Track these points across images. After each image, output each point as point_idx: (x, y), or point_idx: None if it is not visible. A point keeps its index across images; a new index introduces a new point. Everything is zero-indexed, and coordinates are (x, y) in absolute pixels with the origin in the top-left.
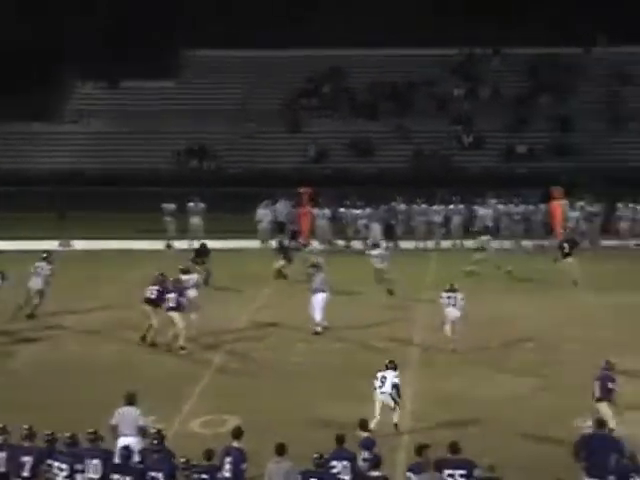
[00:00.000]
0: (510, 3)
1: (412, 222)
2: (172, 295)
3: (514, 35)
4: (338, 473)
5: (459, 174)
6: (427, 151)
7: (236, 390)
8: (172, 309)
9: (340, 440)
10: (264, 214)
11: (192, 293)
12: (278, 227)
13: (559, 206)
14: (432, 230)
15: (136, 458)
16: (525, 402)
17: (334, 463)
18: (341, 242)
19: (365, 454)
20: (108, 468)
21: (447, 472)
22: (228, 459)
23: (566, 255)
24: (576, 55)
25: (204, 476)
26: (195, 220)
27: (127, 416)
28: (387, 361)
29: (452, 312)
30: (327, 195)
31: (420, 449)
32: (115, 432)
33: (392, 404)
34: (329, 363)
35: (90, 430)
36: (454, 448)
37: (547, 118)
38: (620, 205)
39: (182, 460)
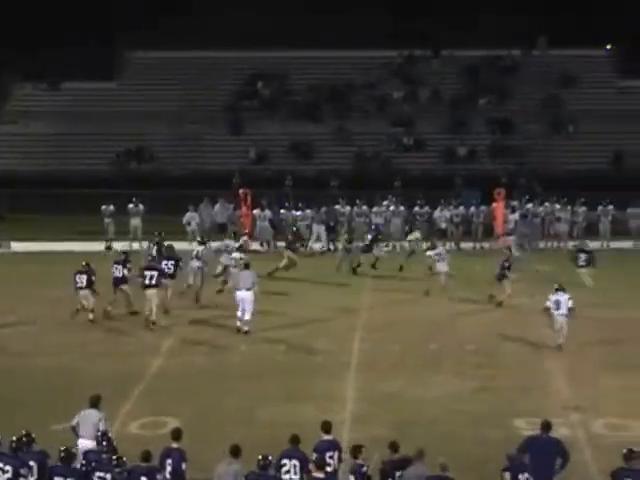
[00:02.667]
0: (450, 5)
1: (353, 223)
2: (153, 273)
3: (454, 37)
4: (288, 472)
5: (400, 176)
6: (368, 153)
7: (177, 392)
8: (151, 286)
9: (294, 440)
10: (192, 216)
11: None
12: (219, 229)
13: (500, 208)
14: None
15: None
16: (464, 403)
17: (284, 461)
18: (282, 244)
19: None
20: (46, 470)
21: (398, 473)
22: (168, 460)
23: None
24: (516, 57)
25: (143, 478)
26: (135, 222)
27: (88, 418)
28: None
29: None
30: (268, 197)
31: (355, 450)
32: (75, 433)
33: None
34: (271, 364)
35: (24, 432)
36: (394, 447)
37: (487, 120)
38: (558, 207)
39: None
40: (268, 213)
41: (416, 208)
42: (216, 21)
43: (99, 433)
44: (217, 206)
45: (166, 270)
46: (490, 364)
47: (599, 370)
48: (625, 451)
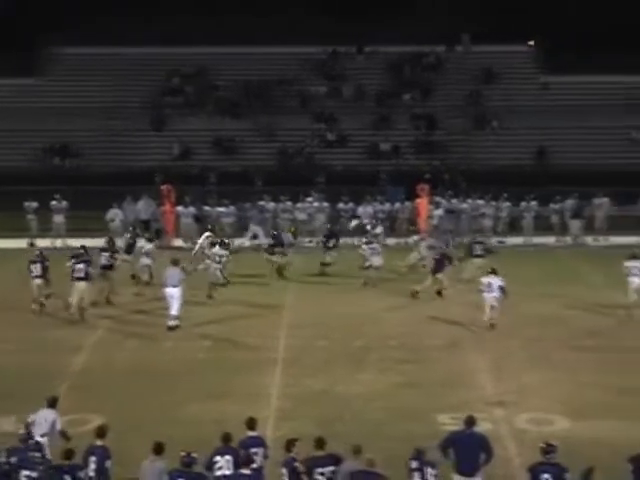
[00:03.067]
0: (374, 2)
1: (278, 219)
2: (81, 266)
3: (377, 33)
4: (220, 468)
5: (323, 172)
6: (292, 149)
7: (101, 388)
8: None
9: (226, 439)
10: (115, 213)
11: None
12: (143, 225)
13: (424, 204)
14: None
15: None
16: (389, 399)
17: (217, 458)
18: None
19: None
20: None
21: (318, 470)
22: (92, 458)
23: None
24: (440, 54)
25: (66, 476)
26: (58, 218)
27: (42, 418)
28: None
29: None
30: (192, 193)
31: (289, 444)
32: (28, 431)
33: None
34: (196, 361)
35: None
36: (320, 444)
37: (411, 116)
38: (482, 202)
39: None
40: (192, 209)
41: (340, 204)
42: (141, 18)
43: (57, 432)
44: (141, 202)
45: (104, 262)
46: (414, 359)
47: (522, 365)
48: (543, 445)
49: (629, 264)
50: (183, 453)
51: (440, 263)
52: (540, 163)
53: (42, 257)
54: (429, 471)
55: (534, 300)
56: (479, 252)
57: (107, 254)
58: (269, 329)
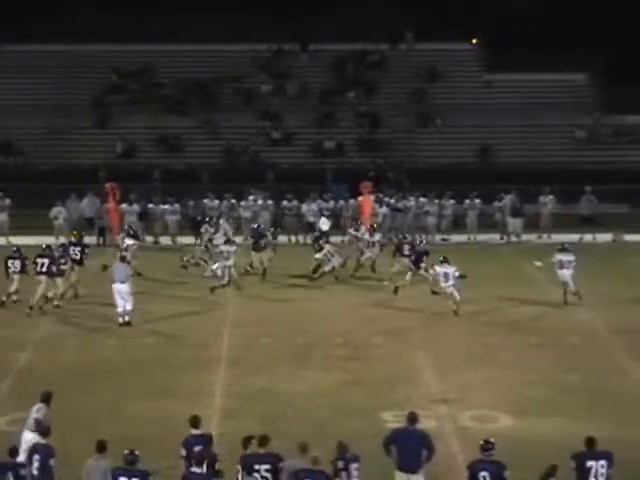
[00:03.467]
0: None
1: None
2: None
3: (322, 31)
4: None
5: (270, 169)
6: (237, 147)
7: (45, 386)
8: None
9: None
10: (59, 211)
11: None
12: (87, 223)
13: (368, 201)
14: (240, 226)
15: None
16: (332, 396)
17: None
18: (150, 238)
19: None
20: None
21: (255, 467)
22: (36, 456)
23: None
24: (384, 51)
25: (9, 474)
26: (1, 216)
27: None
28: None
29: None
30: (136, 191)
31: (246, 441)
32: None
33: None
34: (141, 358)
35: None
36: (262, 441)
37: (355, 114)
38: (426, 200)
39: None
40: (136, 207)
41: (284, 202)
42: (85, 15)
43: (34, 420)
44: (85, 200)
45: (73, 256)
46: (358, 357)
47: (467, 363)
48: (482, 442)
49: (559, 257)
50: (126, 451)
51: (419, 258)
52: (484, 161)
53: (20, 253)
54: (353, 466)
55: (478, 297)
56: (406, 252)
57: (77, 248)
58: (213, 327)
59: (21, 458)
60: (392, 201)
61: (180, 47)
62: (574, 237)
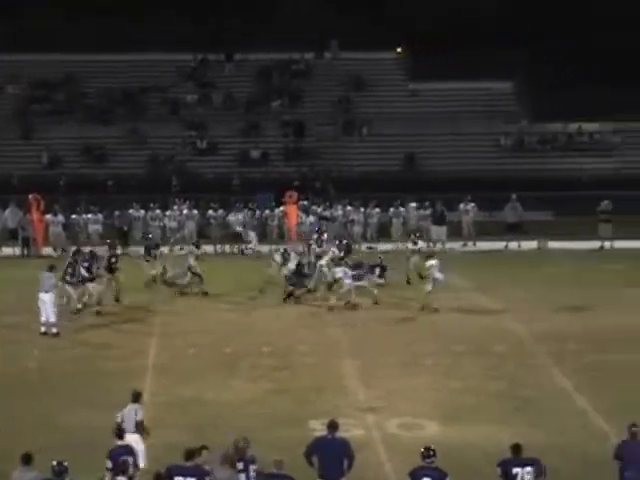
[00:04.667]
0: (243, 9)
1: (148, 228)
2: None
3: (247, 41)
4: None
5: (194, 179)
6: (162, 157)
7: None
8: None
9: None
10: None
11: None
12: (10, 234)
13: (293, 210)
14: (166, 235)
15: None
16: (260, 405)
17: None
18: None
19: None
20: None
21: (178, 478)
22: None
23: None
24: (309, 60)
25: None
26: None
27: (130, 413)
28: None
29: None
30: (61, 201)
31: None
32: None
33: None
34: (66, 369)
35: None
36: (189, 455)
37: (280, 123)
38: (352, 209)
39: None
40: (61, 218)
41: (210, 211)
42: (7, 24)
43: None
44: (7, 211)
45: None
46: (286, 366)
47: (393, 370)
48: (422, 450)
49: (430, 263)
50: (55, 462)
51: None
52: (409, 169)
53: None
54: (252, 467)
55: (402, 305)
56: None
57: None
58: (140, 338)
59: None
60: (319, 210)
61: (105, 57)
62: (500, 245)
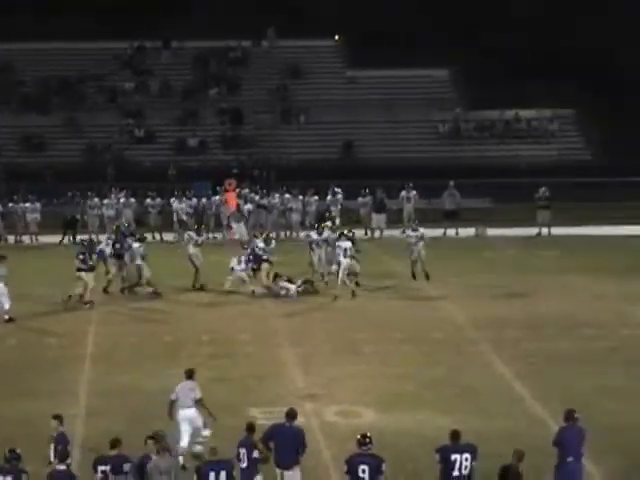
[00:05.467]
0: None
1: (85, 216)
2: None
3: (183, 28)
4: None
5: (130, 168)
6: (100, 145)
7: None
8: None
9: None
10: None
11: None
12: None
13: (231, 198)
14: (103, 224)
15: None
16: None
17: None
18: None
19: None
20: None
21: (101, 468)
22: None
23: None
24: (246, 48)
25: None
26: None
27: (185, 390)
28: None
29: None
30: None
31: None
32: (173, 407)
33: None
34: (3, 358)
35: None
36: (114, 444)
37: (218, 111)
38: (290, 197)
39: None
40: None
41: (148, 200)
42: None
43: (195, 400)
44: None
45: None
46: (226, 354)
47: (332, 358)
48: (359, 437)
49: (341, 244)
50: (7, 449)
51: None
52: (348, 157)
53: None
54: (253, 454)
55: (343, 292)
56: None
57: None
58: (78, 325)
59: (184, 444)
60: (257, 198)
61: (42, 45)
62: (438, 232)
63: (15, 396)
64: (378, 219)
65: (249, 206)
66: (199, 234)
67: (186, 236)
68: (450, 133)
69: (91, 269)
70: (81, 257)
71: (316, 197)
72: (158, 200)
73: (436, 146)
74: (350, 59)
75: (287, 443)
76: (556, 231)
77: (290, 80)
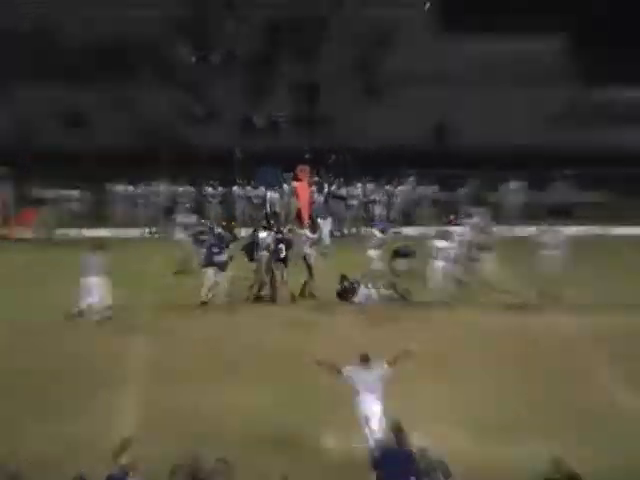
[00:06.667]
0: None
1: None
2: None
3: None
4: None
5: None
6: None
7: None
8: None
9: None
10: None
11: None
12: None
13: (304, 189)
14: None
15: None
16: None
17: None
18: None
19: None
20: None
21: None
22: None
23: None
24: (321, 16)
25: None
26: None
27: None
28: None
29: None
30: None
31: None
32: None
33: None
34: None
35: None
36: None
37: (291, 86)
38: (372, 187)
39: None
40: None
41: (209, 189)
42: None
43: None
44: None
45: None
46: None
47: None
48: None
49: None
50: None
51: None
52: (440, 141)
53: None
54: None
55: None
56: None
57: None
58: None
59: None
60: (333, 188)
61: (88, 10)
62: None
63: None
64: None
65: (322, 197)
66: (313, 231)
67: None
68: (564, 115)
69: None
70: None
71: (402, 187)
72: (220, 189)
73: (546, 131)
74: (446, 26)
75: (398, 470)
76: None
77: (375, 50)
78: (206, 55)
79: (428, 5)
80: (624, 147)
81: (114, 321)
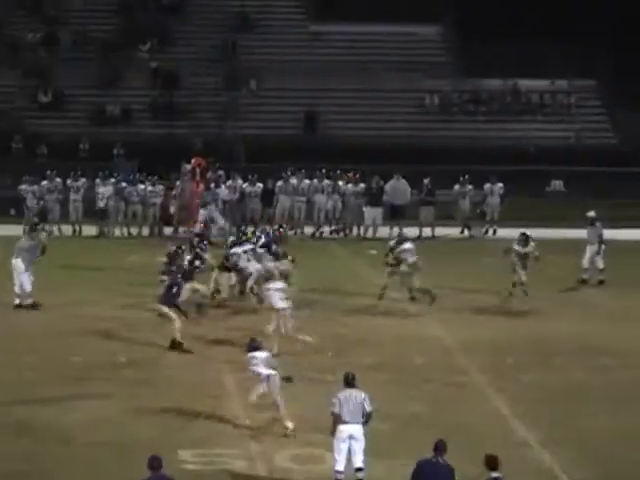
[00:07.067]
0: None
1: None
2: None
3: None
4: None
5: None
6: None
7: None
8: None
9: None
10: None
11: None
12: None
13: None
14: None
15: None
16: (112, 429)
17: None
18: None
19: None
20: None
21: None
22: None
23: None
24: None
25: None
26: None
27: (351, 400)
28: None
29: None
30: None
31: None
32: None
33: None
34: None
35: None
36: None
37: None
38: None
39: None
40: None
41: (69, 181)
42: None
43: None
44: None
45: None
46: (149, 381)
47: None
48: None
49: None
50: None
51: None
52: (309, 133)
53: None
54: None
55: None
56: None
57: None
58: None
59: None
60: (245, 184)
61: None
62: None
63: None
64: (373, 214)
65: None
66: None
67: None
68: (439, 106)
69: None
70: None
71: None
72: (82, 181)
73: (421, 123)
74: (315, 11)
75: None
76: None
77: (239, 35)
78: (52, 36)
79: None
80: (502, 142)
81: None
